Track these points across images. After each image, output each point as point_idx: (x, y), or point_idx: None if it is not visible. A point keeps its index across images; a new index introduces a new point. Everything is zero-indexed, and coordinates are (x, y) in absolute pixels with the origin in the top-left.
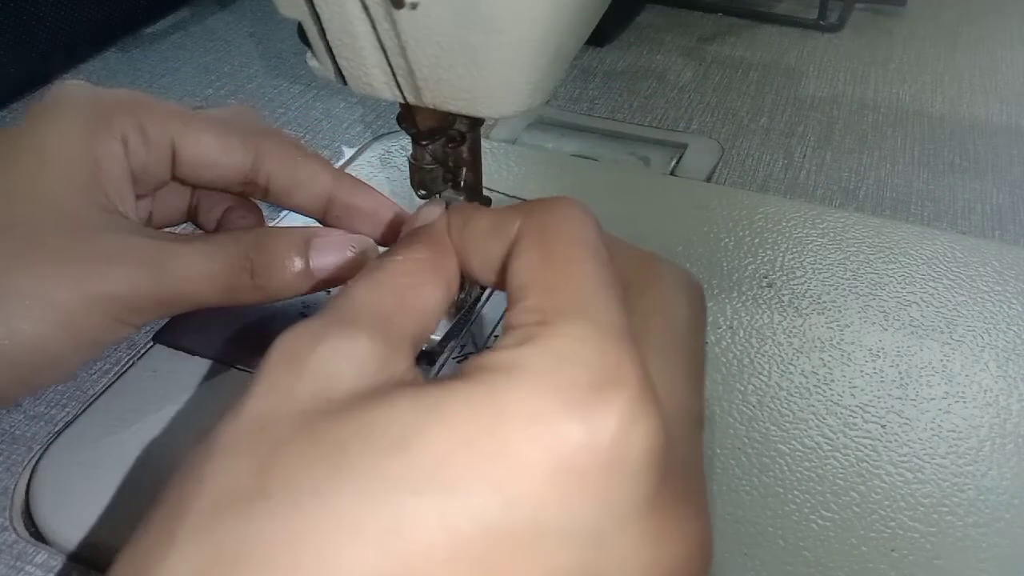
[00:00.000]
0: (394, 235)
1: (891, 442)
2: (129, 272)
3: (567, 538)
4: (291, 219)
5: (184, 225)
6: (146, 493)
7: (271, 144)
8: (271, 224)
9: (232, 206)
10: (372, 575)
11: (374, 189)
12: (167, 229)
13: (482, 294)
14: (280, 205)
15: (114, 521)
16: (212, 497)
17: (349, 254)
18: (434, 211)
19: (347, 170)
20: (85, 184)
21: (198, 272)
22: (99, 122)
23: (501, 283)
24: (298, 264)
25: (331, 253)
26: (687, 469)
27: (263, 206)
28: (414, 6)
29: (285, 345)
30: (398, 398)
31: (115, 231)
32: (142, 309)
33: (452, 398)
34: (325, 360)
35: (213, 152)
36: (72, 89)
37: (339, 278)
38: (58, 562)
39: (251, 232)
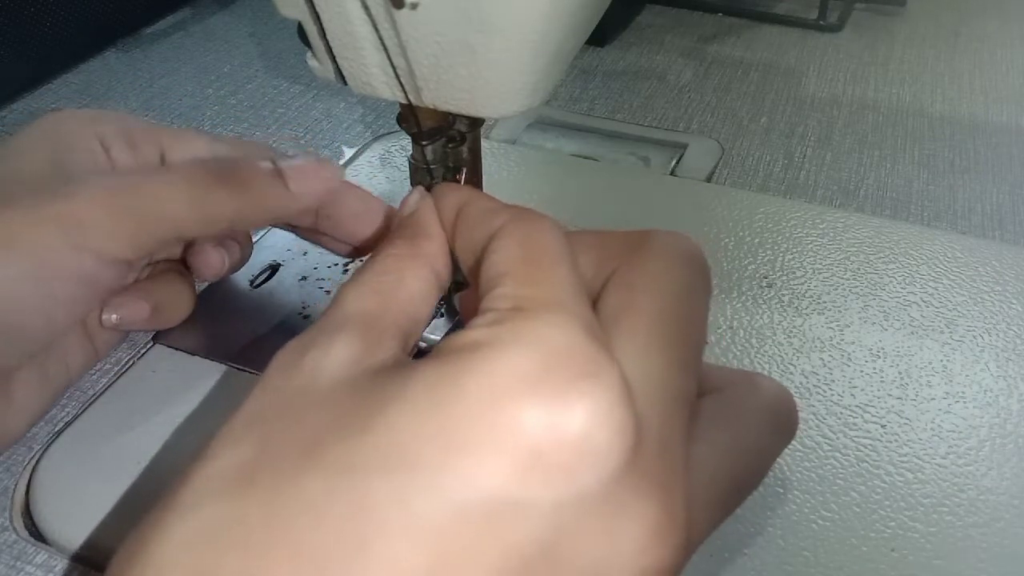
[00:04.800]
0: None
1: (891, 442)
2: (92, 195)
3: (525, 517)
4: (273, 235)
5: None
6: (146, 493)
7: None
8: (255, 242)
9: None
10: (336, 555)
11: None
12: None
13: None
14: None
15: (114, 521)
16: (205, 481)
17: (327, 177)
18: (415, 199)
19: (347, 170)
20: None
21: (167, 184)
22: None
23: (472, 271)
24: (269, 165)
25: (308, 177)
26: (661, 448)
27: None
28: (414, 6)
29: (280, 355)
30: (365, 384)
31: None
32: (109, 230)
33: (416, 379)
34: (312, 361)
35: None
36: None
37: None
38: (58, 562)
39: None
